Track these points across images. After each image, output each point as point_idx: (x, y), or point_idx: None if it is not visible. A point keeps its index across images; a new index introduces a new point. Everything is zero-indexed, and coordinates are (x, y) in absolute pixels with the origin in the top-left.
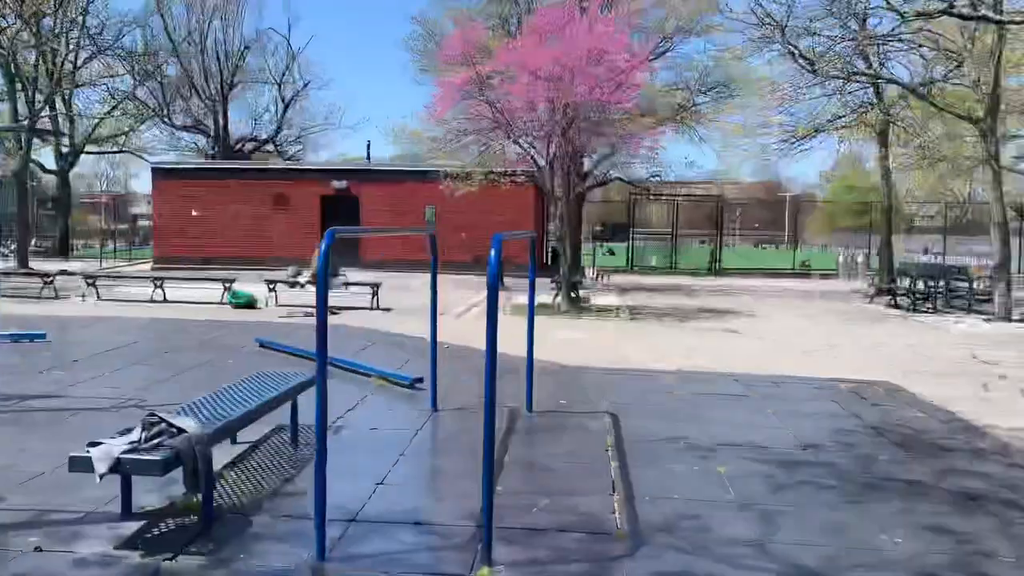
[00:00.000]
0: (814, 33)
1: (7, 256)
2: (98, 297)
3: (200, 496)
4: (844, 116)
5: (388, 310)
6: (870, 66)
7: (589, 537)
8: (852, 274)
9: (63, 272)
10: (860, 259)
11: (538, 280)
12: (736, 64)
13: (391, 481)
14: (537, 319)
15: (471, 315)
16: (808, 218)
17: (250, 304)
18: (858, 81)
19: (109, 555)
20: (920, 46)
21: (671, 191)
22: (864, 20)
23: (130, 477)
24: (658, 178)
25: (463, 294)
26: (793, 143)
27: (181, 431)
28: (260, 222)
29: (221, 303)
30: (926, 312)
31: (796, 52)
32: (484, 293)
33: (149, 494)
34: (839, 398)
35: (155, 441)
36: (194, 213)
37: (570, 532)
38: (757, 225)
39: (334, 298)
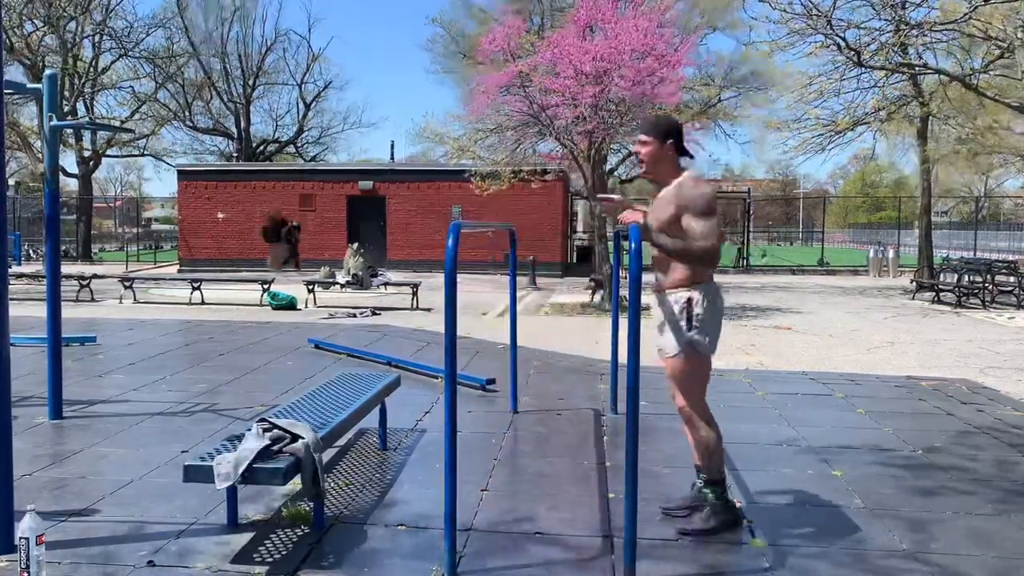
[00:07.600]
0: (859, 25)
1: (35, 259)
2: (135, 299)
3: (309, 505)
4: (884, 108)
5: (428, 310)
6: (907, 56)
7: (728, 547)
8: (883, 270)
9: (95, 276)
10: (891, 255)
11: (572, 279)
12: (766, 59)
13: (495, 487)
14: (580, 319)
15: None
16: (825, 215)
17: (291, 305)
18: (902, 72)
19: (226, 570)
20: (968, 35)
21: None
22: (903, 5)
23: (235, 487)
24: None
25: (501, 294)
26: (832, 137)
27: (297, 437)
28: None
29: (260, 304)
30: (974, 308)
31: (844, 43)
32: (520, 292)
33: (243, 504)
34: (925, 396)
35: (273, 448)
36: (220, 216)
37: (706, 542)
38: (771, 223)
39: (374, 299)
